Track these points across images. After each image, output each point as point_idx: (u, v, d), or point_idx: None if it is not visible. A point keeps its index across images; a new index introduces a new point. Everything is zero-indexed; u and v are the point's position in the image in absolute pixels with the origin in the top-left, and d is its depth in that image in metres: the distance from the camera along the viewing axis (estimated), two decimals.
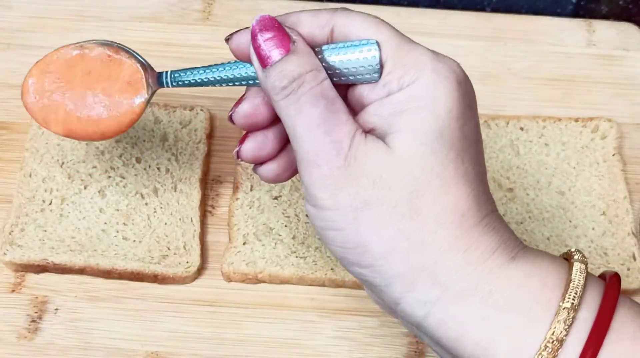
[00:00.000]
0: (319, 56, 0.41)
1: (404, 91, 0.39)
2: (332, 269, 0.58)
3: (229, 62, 0.44)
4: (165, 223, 0.59)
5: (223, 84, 0.44)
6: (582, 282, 0.38)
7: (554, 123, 0.65)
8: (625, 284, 0.58)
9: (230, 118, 0.44)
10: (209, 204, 0.62)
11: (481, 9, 0.74)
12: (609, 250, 0.60)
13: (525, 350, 0.37)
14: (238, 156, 0.44)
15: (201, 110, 0.64)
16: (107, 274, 0.57)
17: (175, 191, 0.61)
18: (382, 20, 0.41)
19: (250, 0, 0.72)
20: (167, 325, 0.57)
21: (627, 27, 0.72)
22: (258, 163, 0.45)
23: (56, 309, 0.57)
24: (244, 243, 0.59)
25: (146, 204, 0.60)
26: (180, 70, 0.46)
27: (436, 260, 0.38)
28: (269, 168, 0.45)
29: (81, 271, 0.57)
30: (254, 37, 0.40)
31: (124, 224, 0.59)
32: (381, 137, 0.39)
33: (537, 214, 0.61)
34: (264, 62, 0.40)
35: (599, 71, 0.70)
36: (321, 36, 0.41)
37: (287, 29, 0.40)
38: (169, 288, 0.58)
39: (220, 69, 0.44)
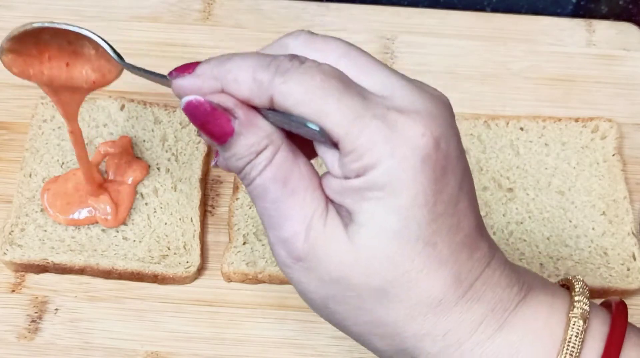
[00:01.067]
0: (269, 119, 0.37)
1: (361, 179, 0.35)
2: None
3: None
4: (165, 223, 0.59)
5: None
6: (577, 347, 0.36)
7: (554, 123, 0.65)
8: (625, 284, 0.58)
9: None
10: (209, 204, 0.62)
11: (481, 9, 0.74)
12: (609, 250, 0.60)
13: None
14: (216, 165, 0.42)
15: None
16: (107, 274, 0.57)
17: (175, 191, 0.61)
18: (329, 83, 0.35)
19: (251, 0, 0.72)
20: (167, 325, 0.57)
21: (627, 27, 0.72)
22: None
23: (56, 309, 0.57)
24: (244, 243, 0.59)
25: (146, 204, 0.60)
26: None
27: (414, 345, 0.37)
28: None
29: (81, 271, 0.57)
30: (193, 121, 0.37)
31: (124, 224, 0.59)
32: (346, 216, 0.36)
33: (537, 214, 0.61)
34: (214, 140, 0.37)
35: (599, 71, 0.70)
36: (260, 103, 0.36)
37: (222, 105, 0.36)
38: (169, 288, 0.58)
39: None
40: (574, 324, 0.36)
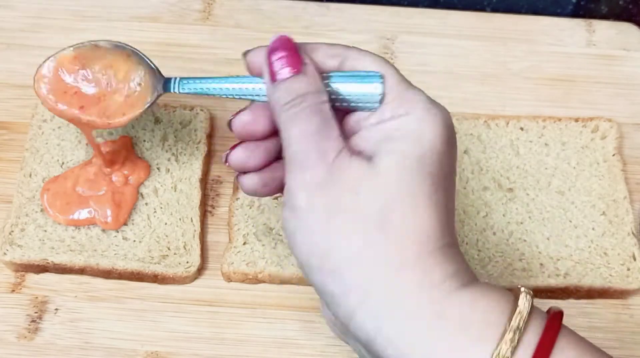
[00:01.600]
0: (326, 81, 0.44)
1: (395, 120, 0.42)
2: None
3: (238, 76, 0.46)
4: (165, 223, 0.59)
5: (229, 96, 0.46)
6: (527, 309, 0.40)
7: (554, 123, 0.65)
8: (625, 284, 0.58)
9: (230, 123, 0.46)
10: (209, 204, 0.62)
11: (481, 9, 0.74)
12: (609, 250, 0.60)
13: None
14: (226, 160, 0.47)
15: (201, 110, 0.64)
16: (107, 274, 0.57)
17: (175, 191, 0.61)
18: (388, 61, 0.44)
19: (251, 0, 0.72)
20: (167, 325, 0.57)
21: (627, 27, 0.72)
22: (243, 171, 0.47)
23: (56, 309, 0.57)
24: (244, 243, 0.59)
25: (146, 204, 0.60)
26: (189, 78, 0.48)
27: (396, 274, 0.40)
28: (251, 180, 0.47)
29: (81, 271, 0.58)
30: (270, 53, 0.44)
31: (124, 224, 0.59)
32: (366, 159, 0.42)
33: (537, 214, 0.61)
34: (273, 76, 0.43)
35: (599, 71, 0.70)
36: (331, 64, 0.44)
37: (300, 52, 0.44)
38: (169, 288, 0.58)
39: (229, 81, 0.46)
40: (523, 297, 0.40)
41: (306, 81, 0.43)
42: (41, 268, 0.58)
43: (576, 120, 0.65)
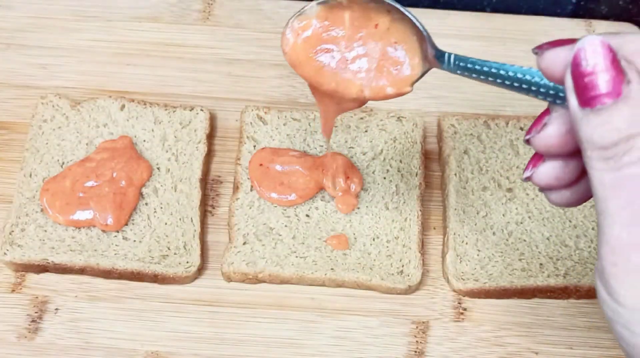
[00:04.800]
0: None
1: None
2: (332, 269, 0.58)
3: (525, 68, 0.39)
4: (165, 223, 0.59)
5: (507, 87, 0.39)
6: None
7: None
8: None
9: (529, 142, 0.38)
10: (209, 204, 0.62)
11: (481, 9, 0.74)
12: None
13: None
14: (528, 178, 0.39)
15: (201, 110, 0.64)
16: (107, 274, 0.57)
17: (175, 191, 0.61)
18: None
19: (250, 0, 0.72)
20: (167, 325, 0.57)
21: (627, 27, 0.72)
22: (549, 189, 0.39)
23: (56, 309, 0.57)
24: (244, 243, 0.59)
25: (146, 204, 0.60)
26: (465, 57, 0.42)
27: None
28: (561, 196, 0.39)
29: (81, 271, 0.58)
30: (576, 65, 0.32)
31: (125, 224, 0.59)
32: None
33: (537, 214, 0.61)
34: (584, 100, 0.32)
35: None
36: None
37: (622, 63, 0.32)
38: (169, 288, 0.58)
39: (514, 71, 0.39)
40: None
41: (631, 114, 0.31)
42: (41, 268, 0.58)
43: None
